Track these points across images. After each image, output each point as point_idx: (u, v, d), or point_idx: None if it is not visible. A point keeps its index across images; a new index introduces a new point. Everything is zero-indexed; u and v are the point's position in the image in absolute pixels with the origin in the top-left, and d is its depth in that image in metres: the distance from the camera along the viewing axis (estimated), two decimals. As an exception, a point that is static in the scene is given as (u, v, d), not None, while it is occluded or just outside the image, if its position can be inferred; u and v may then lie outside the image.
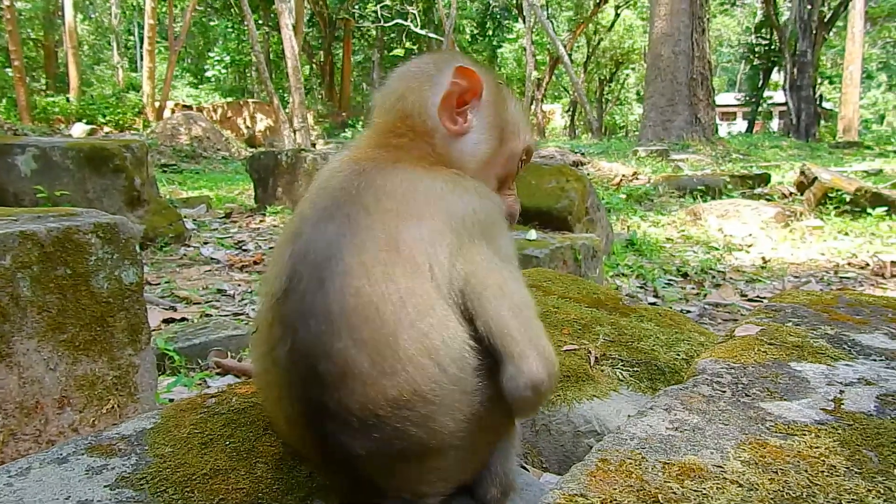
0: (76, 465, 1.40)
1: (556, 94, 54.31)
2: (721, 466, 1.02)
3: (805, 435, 1.10)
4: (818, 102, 32.17)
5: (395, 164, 1.27)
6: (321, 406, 1.12)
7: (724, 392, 1.27)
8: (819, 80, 34.62)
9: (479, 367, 1.17)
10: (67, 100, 31.37)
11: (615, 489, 0.98)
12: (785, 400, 1.23)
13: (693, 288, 5.80)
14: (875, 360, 1.40)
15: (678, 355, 2.16)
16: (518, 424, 1.44)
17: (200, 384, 3.18)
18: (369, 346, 1.09)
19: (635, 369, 2.08)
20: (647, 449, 1.08)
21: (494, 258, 1.22)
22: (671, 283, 5.95)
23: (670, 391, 1.30)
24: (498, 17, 47.28)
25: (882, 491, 0.95)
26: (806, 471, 1.00)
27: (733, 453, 1.05)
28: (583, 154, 16.85)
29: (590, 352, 2.14)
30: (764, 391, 1.27)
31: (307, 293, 1.13)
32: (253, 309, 4.57)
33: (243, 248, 7.09)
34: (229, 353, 3.54)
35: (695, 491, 0.96)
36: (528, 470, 1.82)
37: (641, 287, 5.74)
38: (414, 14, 36.03)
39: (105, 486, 1.32)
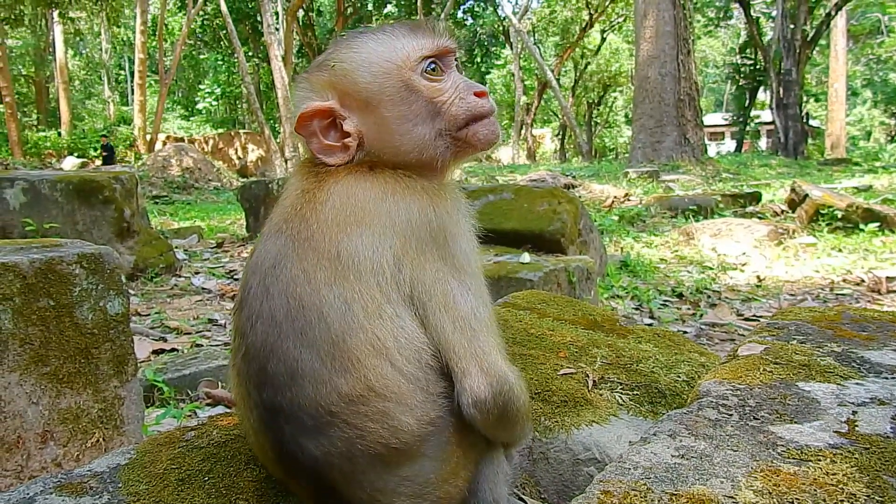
0: (44, 505, 1.32)
1: (545, 118, 54.70)
2: (732, 497, 0.95)
3: (820, 460, 1.04)
4: (805, 120, 32.44)
5: (335, 177, 1.26)
6: (275, 407, 1.13)
7: (731, 415, 1.21)
8: (805, 98, 34.95)
9: (446, 371, 1.17)
10: (59, 134, 31.52)
11: (621, 524, 0.92)
12: (796, 423, 1.17)
13: (689, 308, 5.75)
14: (887, 378, 1.34)
15: (679, 377, 2.10)
16: (513, 450, 1.39)
17: (190, 416, 3.10)
18: (317, 347, 1.11)
19: (635, 392, 2.01)
20: (652, 479, 1.02)
21: (444, 267, 1.18)
22: (667, 303, 5.90)
23: (674, 415, 1.24)
24: (485, 43, 47.71)
25: (907, 520, 0.89)
26: (824, 500, 0.94)
27: (745, 482, 0.99)
28: (574, 177, 16.89)
29: (587, 375, 2.08)
30: (773, 413, 1.21)
31: (255, 300, 1.17)
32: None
33: (235, 277, 7.02)
34: (220, 384, 3.46)
35: (706, 524, 0.90)
36: (525, 502, 1.75)
37: (637, 308, 5.69)
38: (402, 42, 36.22)
39: (75, 529, 1.25)
